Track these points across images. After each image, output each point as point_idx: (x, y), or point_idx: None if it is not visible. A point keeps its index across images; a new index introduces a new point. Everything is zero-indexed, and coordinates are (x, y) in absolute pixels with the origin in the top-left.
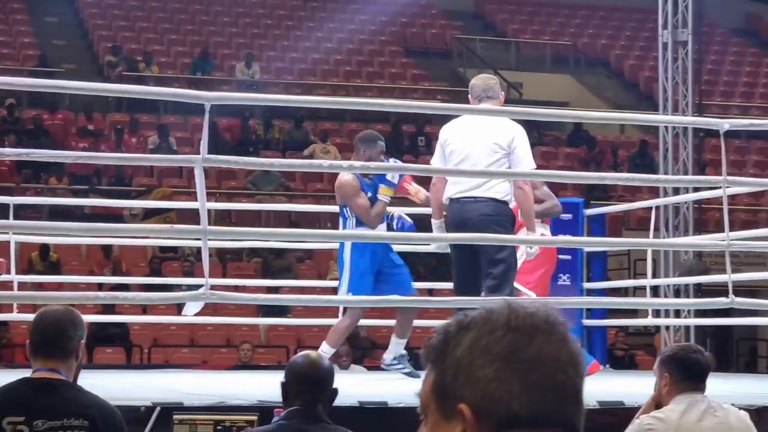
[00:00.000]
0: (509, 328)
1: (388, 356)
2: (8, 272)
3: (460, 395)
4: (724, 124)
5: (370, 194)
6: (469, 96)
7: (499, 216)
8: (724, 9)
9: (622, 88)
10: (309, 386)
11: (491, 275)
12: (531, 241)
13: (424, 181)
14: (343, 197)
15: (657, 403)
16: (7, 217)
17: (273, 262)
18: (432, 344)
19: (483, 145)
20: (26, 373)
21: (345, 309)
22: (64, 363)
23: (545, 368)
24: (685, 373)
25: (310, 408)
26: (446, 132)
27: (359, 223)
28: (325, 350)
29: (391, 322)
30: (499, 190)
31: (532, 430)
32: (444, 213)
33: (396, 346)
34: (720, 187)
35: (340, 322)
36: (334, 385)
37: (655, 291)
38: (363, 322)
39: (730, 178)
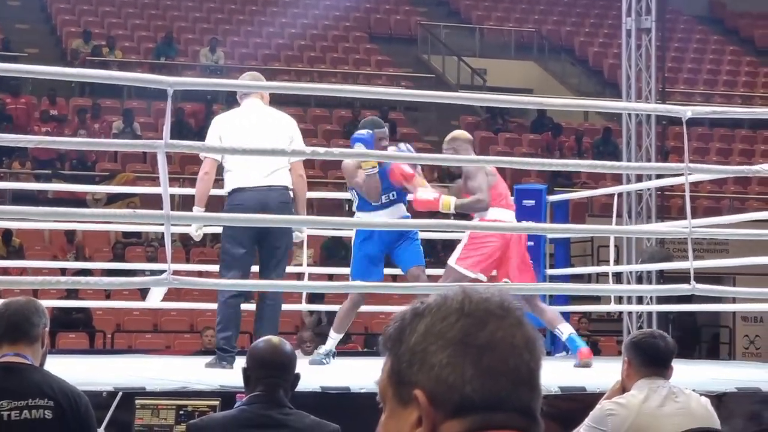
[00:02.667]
0: (462, 313)
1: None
2: None
3: (415, 381)
4: (687, 112)
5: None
6: (238, 96)
7: (290, 203)
8: None
9: (586, 76)
10: (270, 371)
11: (275, 258)
12: (504, 228)
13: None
14: (347, 179)
15: (622, 388)
16: None
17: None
18: (388, 331)
19: (273, 137)
20: None
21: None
22: (29, 348)
23: (498, 353)
24: (645, 359)
25: (271, 393)
26: (223, 124)
27: (362, 203)
28: (333, 336)
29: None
30: (288, 179)
31: (486, 414)
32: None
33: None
34: (682, 174)
35: (341, 307)
36: (297, 371)
37: (618, 278)
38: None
39: (692, 165)
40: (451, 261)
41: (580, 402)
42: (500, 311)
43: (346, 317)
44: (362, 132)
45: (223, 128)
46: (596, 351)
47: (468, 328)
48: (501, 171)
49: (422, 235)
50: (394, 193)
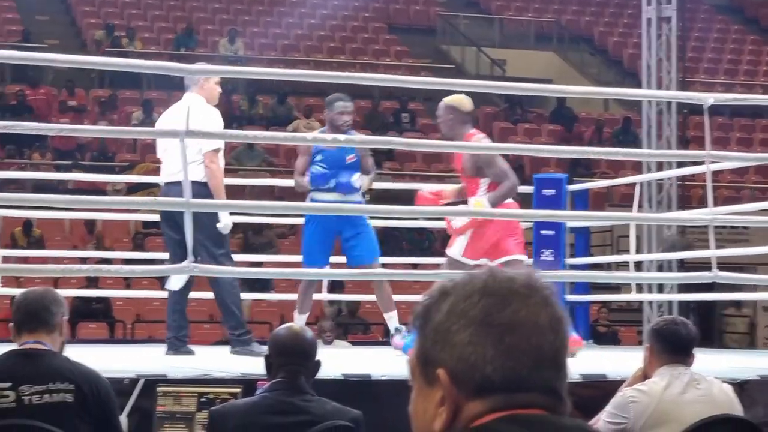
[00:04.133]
0: (485, 292)
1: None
2: None
3: (439, 360)
4: (708, 99)
5: (320, 157)
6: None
7: (198, 197)
8: None
9: (606, 65)
10: (292, 358)
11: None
12: (520, 214)
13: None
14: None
15: (644, 375)
16: None
17: (253, 239)
18: (417, 311)
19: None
20: (10, 347)
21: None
22: (48, 336)
23: (520, 332)
24: (667, 346)
25: (293, 380)
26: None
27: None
28: (297, 318)
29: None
30: (197, 172)
31: (508, 394)
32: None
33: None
34: (704, 162)
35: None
36: (317, 358)
37: (639, 267)
38: (342, 297)
39: (713, 152)
40: (455, 254)
41: (601, 389)
42: (524, 290)
43: (303, 298)
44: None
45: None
46: (616, 341)
47: (490, 308)
48: (520, 160)
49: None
50: (334, 181)
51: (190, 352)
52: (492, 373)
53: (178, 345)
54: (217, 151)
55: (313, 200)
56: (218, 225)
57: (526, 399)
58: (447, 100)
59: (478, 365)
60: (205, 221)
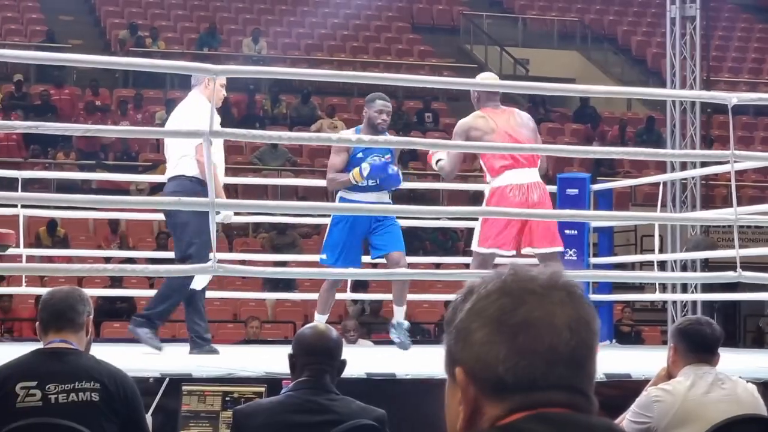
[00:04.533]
0: (503, 292)
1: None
2: (17, 246)
3: (460, 359)
4: (732, 98)
5: (361, 155)
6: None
7: (184, 192)
8: None
9: (629, 65)
10: (316, 357)
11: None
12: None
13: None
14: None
15: (668, 375)
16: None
17: (277, 239)
18: (448, 311)
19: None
20: (36, 347)
21: None
22: (75, 336)
23: (533, 332)
24: (691, 345)
25: (317, 379)
26: None
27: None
28: (317, 318)
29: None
30: (187, 167)
31: (525, 393)
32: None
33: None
34: (727, 162)
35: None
36: (342, 357)
37: (662, 267)
38: (365, 297)
39: (737, 152)
40: (473, 245)
41: (625, 389)
42: (542, 290)
43: (327, 298)
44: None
45: None
46: (640, 340)
47: (505, 307)
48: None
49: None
50: (377, 180)
51: (215, 351)
52: (505, 372)
53: (202, 344)
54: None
55: (342, 200)
56: (218, 217)
57: (544, 398)
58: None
59: (492, 364)
60: (184, 218)
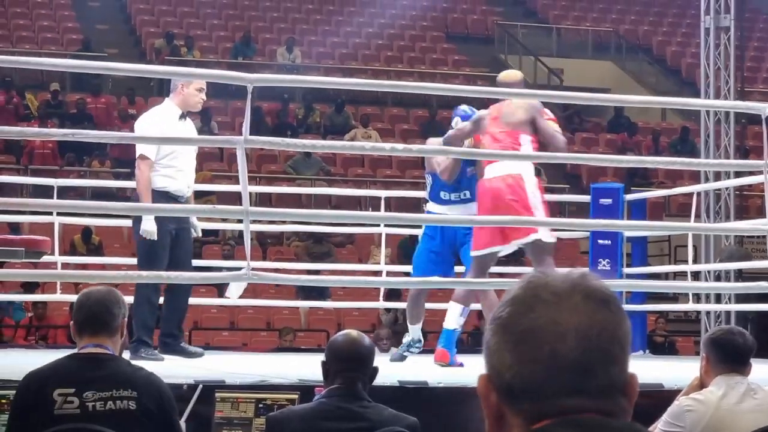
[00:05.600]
0: (515, 299)
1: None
2: (52, 253)
3: (486, 367)
4: (766, 109)
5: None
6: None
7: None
8: None
9: (664, 75)
10: (349, 364)
11: None
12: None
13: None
14: (426, 162)
15: (701, 384)
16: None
17: (313, 248)
18: None
19: None
20: (70, 353)
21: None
22: (110, 339)
23: (535, 340)
24: (723, 355)
25: (350, 386)
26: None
27: (433, 194)
28: (410, 329)
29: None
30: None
31: (533, 403)
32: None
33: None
34: (761, 172)
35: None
36: (375, 365)
37: (696, 277)
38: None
39: None
40: (471, 251)
41: (657, 398)
42: (553, 297)
43: (414, 308)
44: (465, 108)
45: None
46: (674, 351)
47: (513, 314)
48: (578, 169)
49: None
50: (467, 192)
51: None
52: (511, 379)
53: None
54: (143, 157)
55: (428, 213)
56: (141, 230)
57: (552, 408)
58: (498, 78)
59: (502, 372)
60: (137, 230)
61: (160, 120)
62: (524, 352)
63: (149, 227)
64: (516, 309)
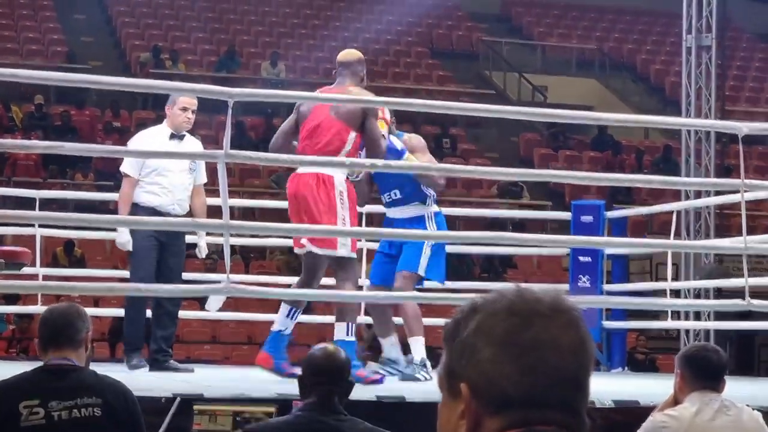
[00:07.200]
0: (510, 312)
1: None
2: (33, 264)
3: (462, 375)
4: (743, 128)
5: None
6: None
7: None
8: (750, 14)
9: (648, 93)
10: (325, 378)
11: None
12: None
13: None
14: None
15: (675, 401)
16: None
17: (295, 262)
18: (447, 325)
19: None
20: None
21: None
22: (74, 353)
23: (540, 353)
24: (698, 372)
25: (326, 400)
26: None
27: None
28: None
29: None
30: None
31: (525, 411)
32: None
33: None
34: (739, 191)
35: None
36: (350, 378)
37: (677, 295)
38: None
39: (748, 181)
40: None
41: (633, 415)
42: (549, 312)
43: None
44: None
45: None
46: (654, 368)
47: (513, 327)
48: (561, 187)
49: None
50: (397, 191)
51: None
52: (511, 390)
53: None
54: (125, 175)
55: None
56: (116, 242)
57: (543, 416)
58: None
59: (497, 382)
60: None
61: (149, 139)
62: (529, 364)
63: (122, 239)
64: (515, 322)
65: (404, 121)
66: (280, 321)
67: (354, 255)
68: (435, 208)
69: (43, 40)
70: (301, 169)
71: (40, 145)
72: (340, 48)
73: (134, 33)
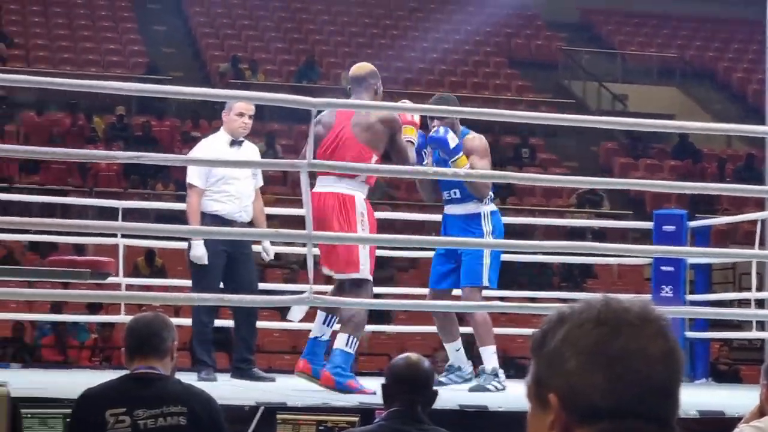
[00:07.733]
0: (598, 322)
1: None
2: (116, 274)
3: (551, 385)
4: None
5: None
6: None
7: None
8: None
9: (730, 101)
10: (408, 387)
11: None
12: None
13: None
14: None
15: (761, 412)
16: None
17: (375, 272)
18: (535, 335)
19: None
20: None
21: None
22: (160, 362)
23: (629, 363)
24: None
25: (409, 409)
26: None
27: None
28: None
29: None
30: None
31: (614, 420)
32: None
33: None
34: None
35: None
36: (434, 388)
37: (761, 305)
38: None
39: None
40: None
41: (718, 426)
42: (637, 321)
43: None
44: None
45: None
46: (738, 379)
47: (601, 337)
48: (641, 196)
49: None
50: (456, 191)
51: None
52: (599, 400)
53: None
54: (190, 186)
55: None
56: (191, 255)
57: (631, 426)
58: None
59: (586, 392)
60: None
61: (207, 148)
62: (619, 374)
63: (198, 252)
64: (603, 332)
65: (484, 131)
66: (317, 328)
67: (371, 278)
68: (492, 207)
69: (124, 51)
70: (319, 187)
71: (121, 156)
72: (419, 58)
73: (214, 43)
